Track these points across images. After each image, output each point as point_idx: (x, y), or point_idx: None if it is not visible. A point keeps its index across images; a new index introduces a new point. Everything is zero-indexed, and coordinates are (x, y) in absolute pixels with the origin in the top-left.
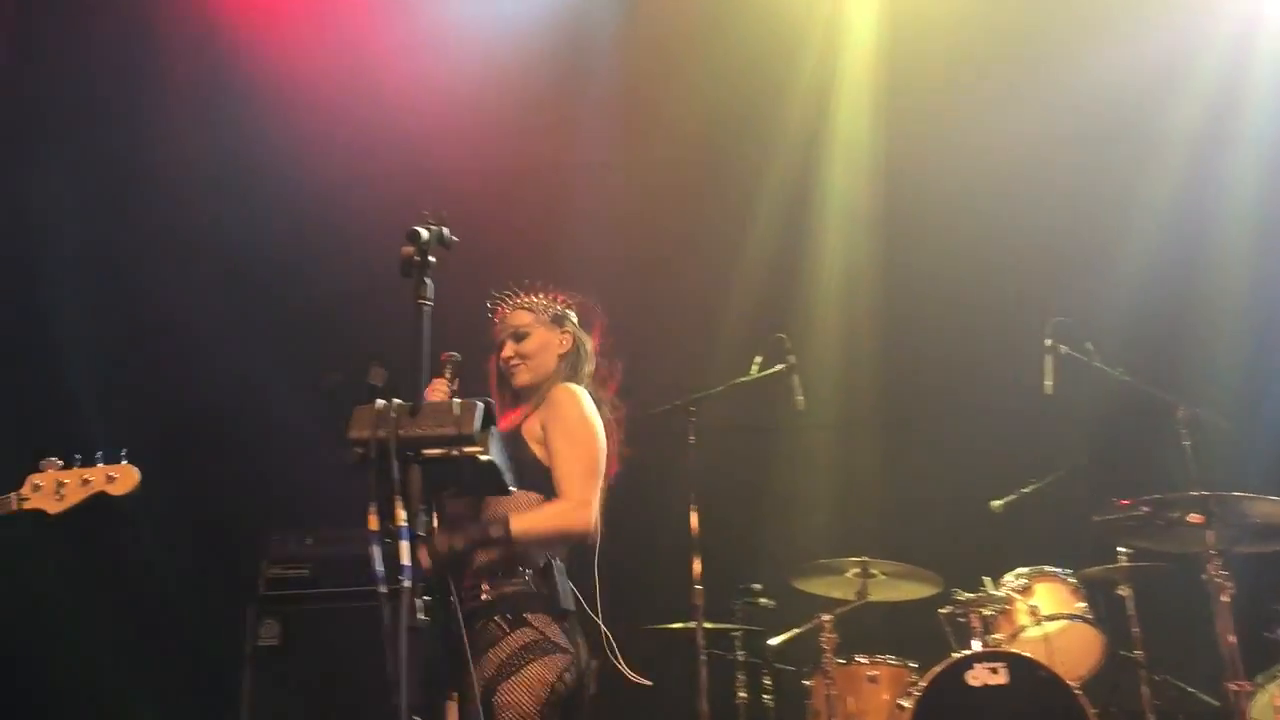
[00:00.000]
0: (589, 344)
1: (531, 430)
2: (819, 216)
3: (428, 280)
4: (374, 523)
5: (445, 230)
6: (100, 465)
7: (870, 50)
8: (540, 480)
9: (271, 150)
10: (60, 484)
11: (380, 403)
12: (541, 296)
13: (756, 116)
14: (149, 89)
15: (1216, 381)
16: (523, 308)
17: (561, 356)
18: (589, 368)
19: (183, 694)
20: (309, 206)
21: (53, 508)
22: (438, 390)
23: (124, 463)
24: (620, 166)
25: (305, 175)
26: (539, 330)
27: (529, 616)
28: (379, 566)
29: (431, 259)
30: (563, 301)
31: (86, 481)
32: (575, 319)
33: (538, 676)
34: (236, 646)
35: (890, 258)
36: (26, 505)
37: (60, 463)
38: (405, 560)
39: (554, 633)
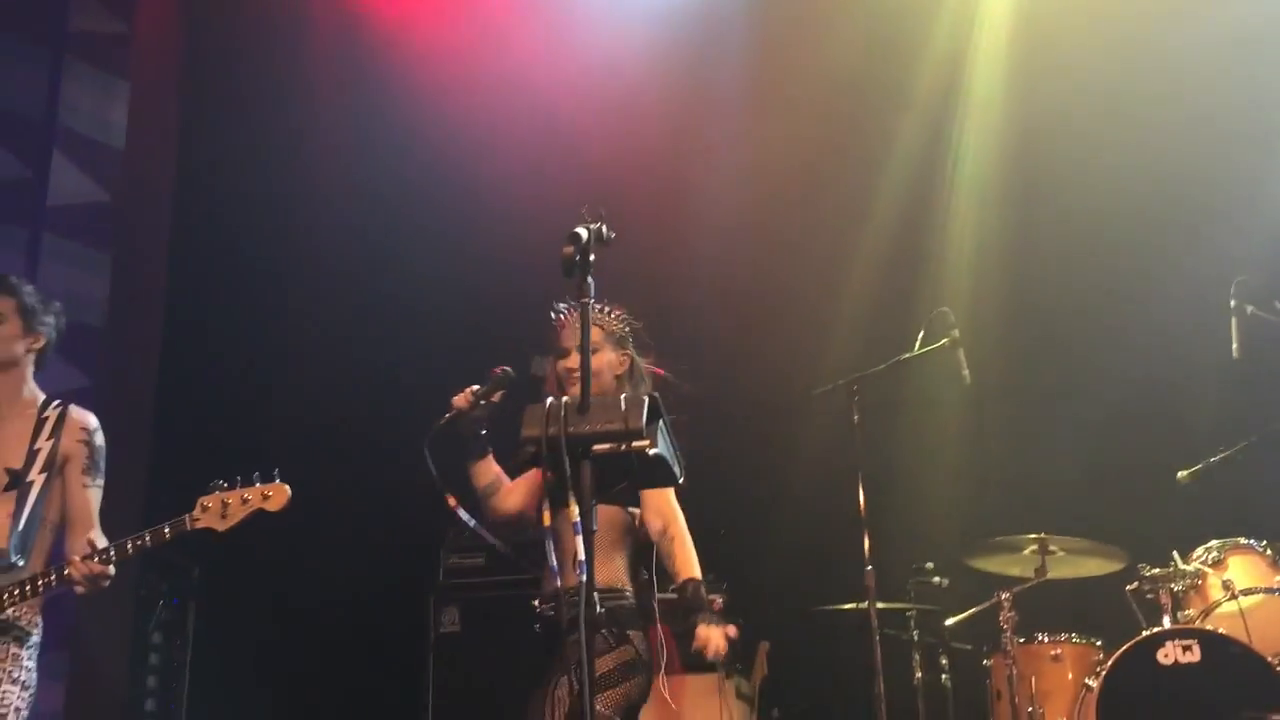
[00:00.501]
0: (642, 367)
1: None
2: (950, 188)
3: (590, 280)
4: (548, 519)
5: (604, 228)
6: (257, 485)
7: (1005, 10)
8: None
9: (417, 148)
10: (225, 504)
11: (550, 400)
12: (612, 315)
13: (887, 84)
14: (302, 97)
15: None
16: (595, 323)
17: (618, 377)
18: (644, 389)
19: (371, 678)
20: (460, 205)
21: (220, 526)
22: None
23: (276, 481)
24: (754, 141)
25: (453, 171)
26: (605, 348)
27: (630, 634)
28: (553, 562)
29: (592, 257)
30: (625, 322)
31: (246, 500)
32: (633, 342)
33: (624, 694)
34: (420, 633)
35: (1025, 233)
36: (199, 524)
37: (225, 484)
38: (580, 555)
39: (644, 649)
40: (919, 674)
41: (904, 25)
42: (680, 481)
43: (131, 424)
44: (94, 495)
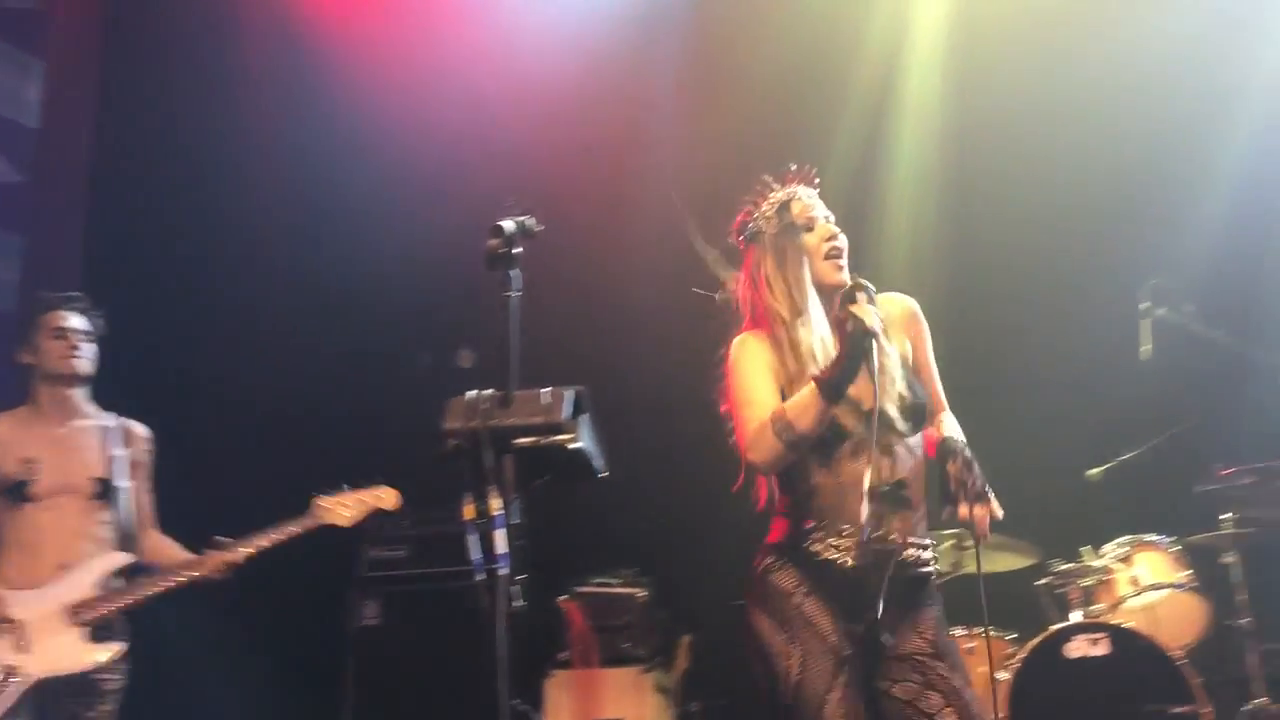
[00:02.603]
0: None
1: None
2: (887, 184)
3: (514, 272)
4: (469, 512)
5: (529, 220)
6: (373, 488)
7: (941, 10)
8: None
9: (350, 140)
10: (343, 504)
11: (471, 393)
12: None
13: (823, 83)
14: (228, 83)
15: None
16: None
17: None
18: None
19: (287, 673)
20: (391, 196)
21: (343, 521)
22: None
23: (384, 485)
24: (689, 137)
25: (385, 163)
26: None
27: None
28: (476, 554)
29: (517, 250)
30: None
31: (362, 501)
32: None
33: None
34: (338, 626)
35: (961, 227)
36: (324, 520)
37: (344, 486)
38: (501, 548)
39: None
40: None
41: (839, 26)
42: (603, 475)
43: None
44: (151, 499)
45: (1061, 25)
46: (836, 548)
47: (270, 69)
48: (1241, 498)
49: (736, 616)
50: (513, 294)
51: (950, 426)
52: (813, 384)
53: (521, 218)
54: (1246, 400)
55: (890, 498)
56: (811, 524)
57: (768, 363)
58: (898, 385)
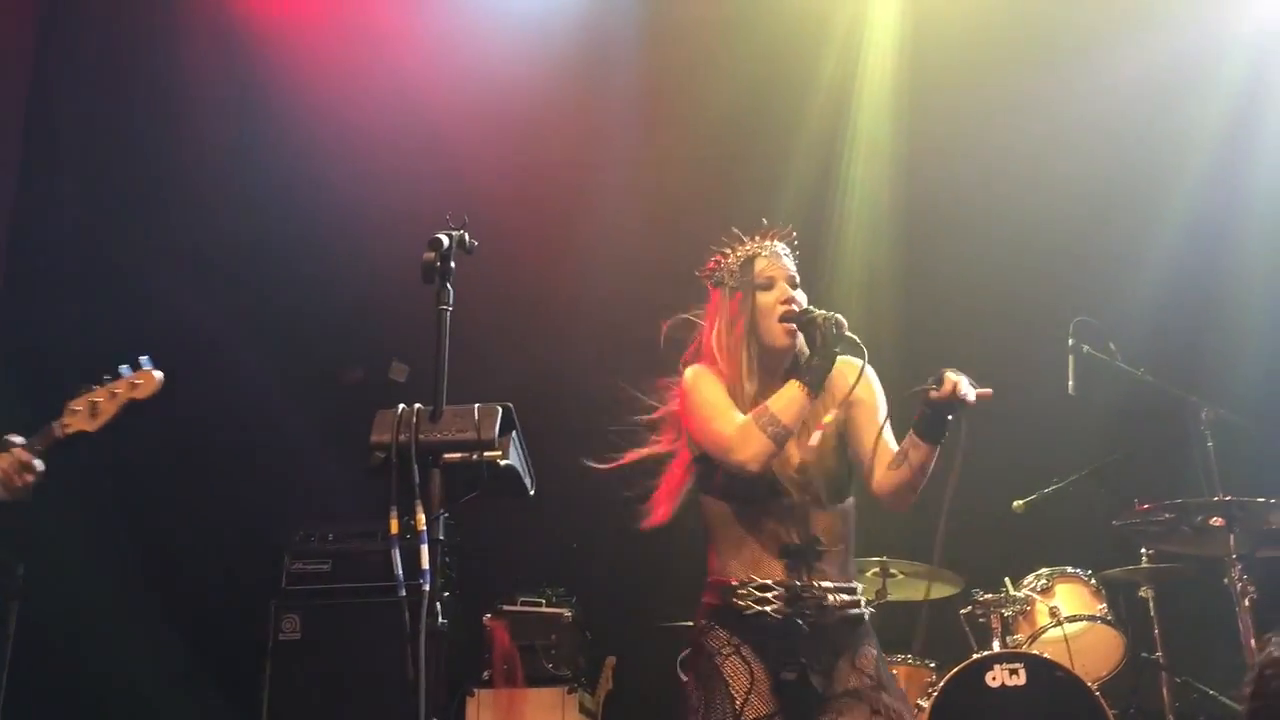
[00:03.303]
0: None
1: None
2: (840, 216)
3: (450, 286)
4: (395, 526)
5: (467, 235)
6: (125, 376)
7: (891, 49)
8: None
9: (290, 150)
10: (94, 404)
11: (402, 407)
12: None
13: (777, 115)
14: (167, 88)
15: (1240, 384)
16: (789, 256)
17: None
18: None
19: (205, 686)
20: (328, 207)
21: (91, 426)
22: None
23: (146, 368)
24: (641, 165)
25: (325, 175)
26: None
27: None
28: (399, 570)
29: (453, 264)
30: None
31: (114, 394)
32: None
33: None
34: (259, 640)
35: (911, 258)
36: (69, 430)
37: (92, 385)
38: (425, 564)
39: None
40: None
41: (792, 59)
42: (531, 494)
43: None
44: None
45: (1010, 66)
46: (764, 600)
47: (212, 77)
48: (1158, 533)
49: (662, 639)
50: (446, 308)
51: None
52: (793, 380)
53: (459, 233)
54: (1166, 437)
55: (805, 552)
56: (737, 581)
57: (722, 389)
58: (829, 456)
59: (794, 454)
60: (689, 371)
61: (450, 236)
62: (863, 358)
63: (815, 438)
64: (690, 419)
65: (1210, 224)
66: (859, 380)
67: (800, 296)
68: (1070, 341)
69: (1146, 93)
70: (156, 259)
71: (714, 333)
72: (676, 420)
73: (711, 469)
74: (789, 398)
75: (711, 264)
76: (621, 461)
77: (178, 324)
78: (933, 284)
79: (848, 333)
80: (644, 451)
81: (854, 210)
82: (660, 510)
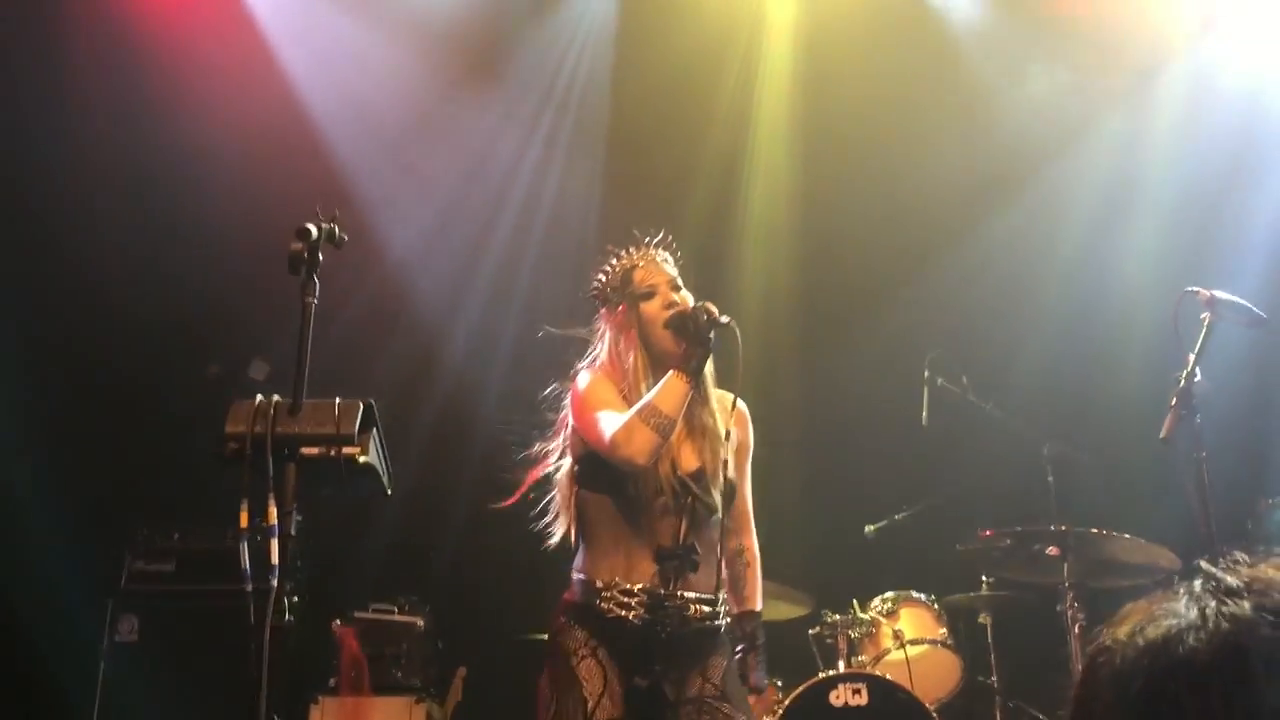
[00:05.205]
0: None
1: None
2: (738, 242)
3: (315, 278)
4: (245, 520)
5: (336, 228)
6: None
7: (786, 80)
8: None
9: (156, 138)
10: None
11: (259, 398)
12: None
13: (678, 138)
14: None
15: (1091, 420)
16: (669, 262)
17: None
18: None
19: (38, 686)
20: (198, 200)
21: None
22: None
23: None
24: (544, 193)
25: (195, 166)
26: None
27: None
28: (246, 564)
29: (320, 256)
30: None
31: None
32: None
33: None
34: (93, 642)
35: (812, 280)
36: None
37: None
38: (274, 559)
39: None
40: None
41: (693, 85)
42: (389, 494)
43: None
44: None
45: (904, 106)
46: (626, 605)
47: (93, 71)
48: (998, 560)
49: (514, 651)
50: (311, 300)
51: (758, 593)
52: (672, 372)
53: (329, 226)
54: (1012, 467)
55: (681, 558)
56: (602, 583)
57: (613, 388)
58: (722, 466)
59: (691, 459)
60: (580, 376)
61: (319, 228)
62: (736, 340)
63: (727, 449)
64: (579, 418)
65: (1088, 273)
66: (734, 411)
67: (686, 296)
68: (925, 374)
69: (1031, 143)
70: (20, 243)
71: (608, 346)
72: (564, 425)
73: (597, 466)
74: (669, 388)
75: (596, 284)
76: (522, 489)
77: (27, 315)
78: (828, 308)
79: (720, 318)
80: (538, 471)
81: (753, 236)
82: (562, 523)
